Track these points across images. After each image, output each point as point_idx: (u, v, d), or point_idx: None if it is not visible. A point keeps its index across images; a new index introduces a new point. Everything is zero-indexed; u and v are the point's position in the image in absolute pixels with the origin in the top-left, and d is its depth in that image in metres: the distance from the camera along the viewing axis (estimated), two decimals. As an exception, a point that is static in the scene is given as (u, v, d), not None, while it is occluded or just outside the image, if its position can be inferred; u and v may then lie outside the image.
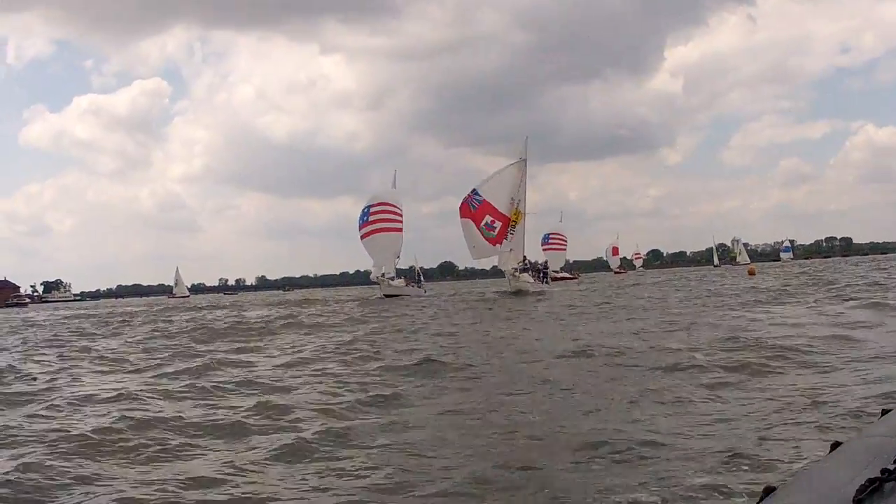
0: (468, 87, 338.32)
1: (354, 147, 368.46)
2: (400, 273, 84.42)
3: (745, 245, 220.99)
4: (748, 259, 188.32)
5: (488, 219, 72.92)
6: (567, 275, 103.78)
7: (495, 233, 73.01)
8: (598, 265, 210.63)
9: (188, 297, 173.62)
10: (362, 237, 79.70)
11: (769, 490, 2.54)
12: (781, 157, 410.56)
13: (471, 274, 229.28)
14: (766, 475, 7.73)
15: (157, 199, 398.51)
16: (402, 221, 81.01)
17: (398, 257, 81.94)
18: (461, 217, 74.05)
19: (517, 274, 71.91)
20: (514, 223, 73.13)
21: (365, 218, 79.81)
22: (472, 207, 73.26)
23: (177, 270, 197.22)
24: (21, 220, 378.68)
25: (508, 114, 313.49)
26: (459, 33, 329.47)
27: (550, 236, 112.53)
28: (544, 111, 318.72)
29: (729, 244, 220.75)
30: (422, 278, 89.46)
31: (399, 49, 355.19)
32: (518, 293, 67.24)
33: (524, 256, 74.60)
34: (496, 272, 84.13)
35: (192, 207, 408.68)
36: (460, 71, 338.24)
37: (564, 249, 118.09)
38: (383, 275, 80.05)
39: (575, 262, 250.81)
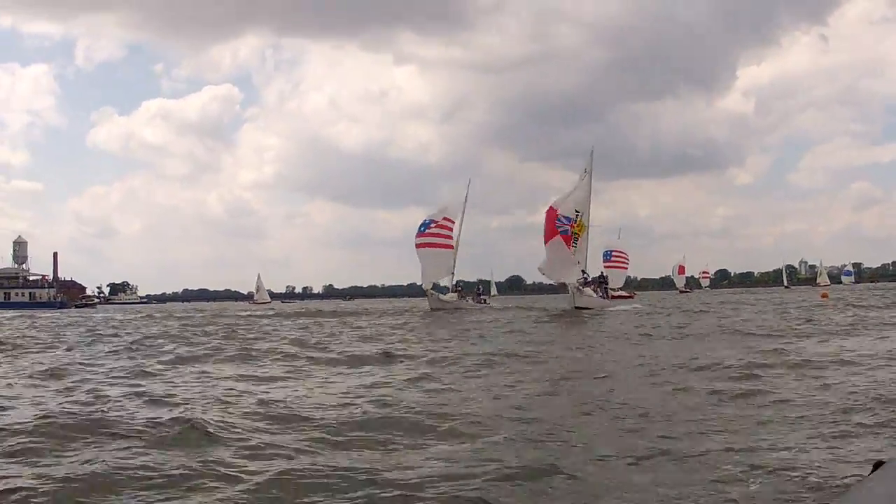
0: (542, 101, 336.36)
1: (426, 159, 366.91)
2: (467, 286, 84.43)
3: (812, 267, 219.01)
4: (828, 280, 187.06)
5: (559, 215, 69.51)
6: (624, 293, 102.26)
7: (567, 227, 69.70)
8: (665, 283, 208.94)
9: (270, 303, 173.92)
10: (417, 246, 79.21)
11: (879, 464, 2.62)
12: (851, 180, 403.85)
13: (538, 289, 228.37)
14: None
15: (225, 205, 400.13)
16: (452, 238, 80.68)
17: (452, 273, 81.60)
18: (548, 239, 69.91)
19: (581, 288, 69.43)
20: (576, 235, 70.46)
21: (423, 229, 79.40)
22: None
23: (258, 277, 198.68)
24: (88, 222, 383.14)
25: (581, 130, 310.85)
26: (535, 47, 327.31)
27: (613, 253, 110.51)
28: (617, 128, 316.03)
29: (796, 265, 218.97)
30: (482, 292, 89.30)
31: (474, 61, 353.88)
32: (578, 310, 63.90)
33: (583, 271, 71.32)
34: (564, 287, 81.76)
35: (260, 214, 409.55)
36: (535, 85, 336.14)
37: (626, 268, 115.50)
38: (432, 288, 79.49)
39: (642, 279, 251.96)
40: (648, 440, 10.42)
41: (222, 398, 15.03)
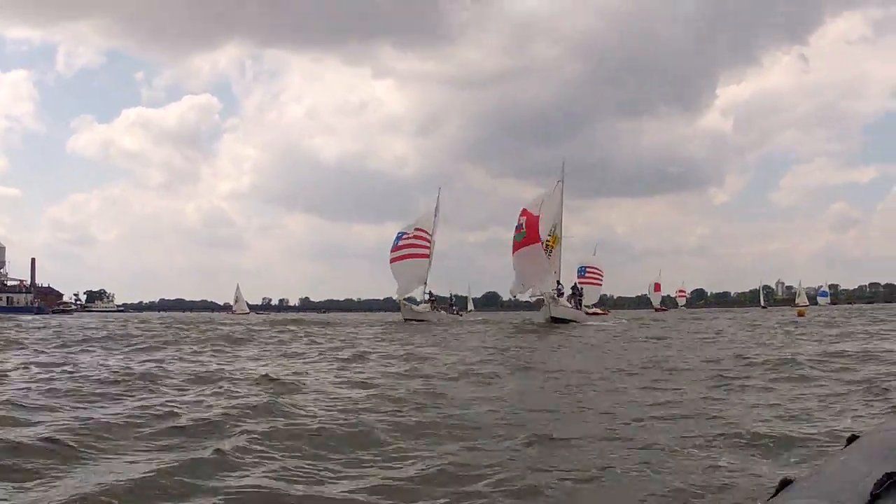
0: (519, 116, 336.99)
1: (403, 172, 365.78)
2: (440, 299, 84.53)
3: (790, 288, 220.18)
4: (807, 300, 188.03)
5: (521, 220, 68.44)
6: (598, 310, 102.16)
7: (524, 232, 68.02)
8: (641, 302, 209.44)
9: (248, 314, 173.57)
10: (391, 261, 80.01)
11: (785, 483, 2.56)
12: (830, 201, 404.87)
13: (514, 305, 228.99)
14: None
15: (203, 215, 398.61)
16: (429, 248, 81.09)
17: (425, 283, 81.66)
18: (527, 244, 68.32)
19: (556, 297, 68.14)
20: (550, 248, 70.14)
21: (396, 242, 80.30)
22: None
23: (237, 287, 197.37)
24: (66, 228, 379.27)
25: (559, 146, 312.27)
26: (513, 62, 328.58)
27: (587, 269, 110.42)
28: (595, 144, 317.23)
29: (773, 286, 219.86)
30: (455, 304, 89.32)
31: (451, 76, 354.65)
32: (552, 323, 62.83)
33: (558, 281, 70.87)
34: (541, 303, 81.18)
35: (238, 224, 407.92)
36: (512, 100, 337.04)
37: (600, 284, 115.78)
38: (406, 299, 79.84)
39: (619, 297, 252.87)
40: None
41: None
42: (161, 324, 67.35)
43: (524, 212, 68.59)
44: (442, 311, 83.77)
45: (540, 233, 67.58)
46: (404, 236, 80.00)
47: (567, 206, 72.85)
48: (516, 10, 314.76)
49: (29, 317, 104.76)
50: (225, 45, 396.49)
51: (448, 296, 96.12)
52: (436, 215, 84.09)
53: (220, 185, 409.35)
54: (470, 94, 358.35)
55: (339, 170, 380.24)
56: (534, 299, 75.15)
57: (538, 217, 67.69)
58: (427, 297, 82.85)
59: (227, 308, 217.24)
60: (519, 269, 68.89)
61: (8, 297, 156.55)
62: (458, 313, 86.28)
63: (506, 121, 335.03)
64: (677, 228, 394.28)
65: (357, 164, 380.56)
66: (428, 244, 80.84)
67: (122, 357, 25.17)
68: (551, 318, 64.68)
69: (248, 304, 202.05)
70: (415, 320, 74.39)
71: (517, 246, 68.44)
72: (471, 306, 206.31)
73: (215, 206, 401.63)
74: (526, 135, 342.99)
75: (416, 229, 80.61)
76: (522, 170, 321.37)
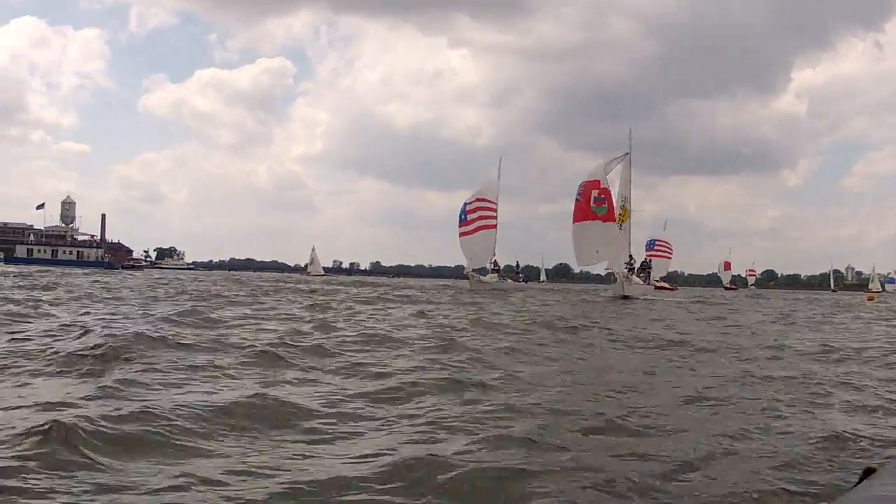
0: (593, 91, 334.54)
1: (475, 142, 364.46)
2: (506, 268, 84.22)
3: (859, 273, 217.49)
4: (879, 286, 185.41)
5: (595, 193, 64.44)
6: (666, 284, 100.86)
7: (606, 206, 64.57)
8: (711, 280, 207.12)
9: (324, 275, 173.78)
10: (461, 235, 79.34)
11: (869, 471, 2.53)
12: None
13: (585, 278, 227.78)
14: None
15: (274, 177, 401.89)
16: (496, 217, 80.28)
17: (494, 254, 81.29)
18: (574, 222, 65.65)
19: (629, 276, 67.72)
20: (622, 221, 68.72)
21: (463, 217, 79.52)
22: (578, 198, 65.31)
23: (313, 249, 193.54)
24: (136, 186, 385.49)
25: (633, 122, 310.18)
26: (589, 36, 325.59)
27: (657, 242, 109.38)
28: (668, 123, 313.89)
29: (843, 271, 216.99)
30: (520, 273, 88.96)
31: (527, 48, 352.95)
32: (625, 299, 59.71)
33: (630, 256, 70.93)
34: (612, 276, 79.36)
35: (309, 188, 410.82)
36: (586, 75, 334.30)
37: (670, 258, 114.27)
38: (473, 270, 79.77)
39: (689, 275, 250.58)
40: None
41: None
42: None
43: (595, 183, 65.29)
44: (509, 280, 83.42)
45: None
46: (469, 209, 79.19)
47: (638, 182, 71.71)
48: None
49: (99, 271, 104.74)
50: (300, 10, 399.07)
51: (514, 264, 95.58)
52: (498, 183, 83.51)
53: (292, 148, 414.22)
54: (544, 67, 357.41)
55: (411, 137, 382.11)
56: (605, 272, 74.34)
57: (608, 189, 65.58)
58: (493, 266, 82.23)
59: (297, 269, 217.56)
60: (589, 239, 64.87)
61: (78, 252, 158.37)
62: (524, 281, 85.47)
63: (579, 95, 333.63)
64: (749, 209, 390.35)
65: (430, 132, 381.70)
66: (495, 214, 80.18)
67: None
68: (623, 296, 62.57)
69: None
70: (482, 290, 73.25)
71: (585, 216, 64.83)
72: (543, 276, 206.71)
73: (287, 169, 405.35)
74: (599, 110, 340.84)
75: (481, 199, 79.92)
76: (594, 144, 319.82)
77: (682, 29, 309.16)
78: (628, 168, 71.74)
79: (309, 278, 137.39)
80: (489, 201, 79.83)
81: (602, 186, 64.73)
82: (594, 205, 64.21)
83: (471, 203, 79.49)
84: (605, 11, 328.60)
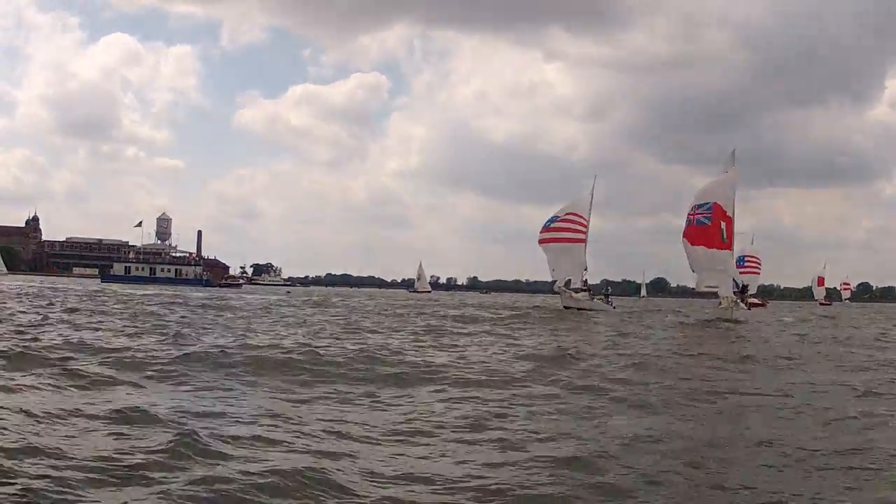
0: (689, 104, 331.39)
1: (571, 156, 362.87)
2: (591, 288, 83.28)
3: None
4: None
5: (723, 224, 61.47)
6: (756, 300, 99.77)
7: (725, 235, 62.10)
8: (805, 294, 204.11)
9: (429, 291, 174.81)
10: (540, 241, 78.59)
11: None
12: None
13: (681, 292, 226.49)
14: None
15: (370, 192, 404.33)
16: (585, 232, 77.66)
17: (586, 269, 78.40)
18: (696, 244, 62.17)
19: (737, 300, 63.76)
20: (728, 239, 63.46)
21: (549, 223, 78.70)
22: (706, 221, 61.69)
23: (420, 265, 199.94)
24: (231, 201, 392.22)
25: (728, 134, 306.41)
26: (684, 49, 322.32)
27: (746, 258, 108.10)
28: (764, 134, 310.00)
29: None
30: (607, 293, 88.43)
31: (623, 61, 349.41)
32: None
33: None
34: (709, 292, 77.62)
35: (405, 203, 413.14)
36: (682, 87, 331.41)
37: (759, 273, 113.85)
38: (566, 284, 77.74)
39: (784, 288, 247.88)
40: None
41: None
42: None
43: (723, 213, 61.76)
44: (597, 300, 79.57)
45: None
46: (560, 218, 77.96)
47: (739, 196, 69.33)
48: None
49: (200, 291, 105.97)
50: (394, 25, 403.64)
51: (601, 282, 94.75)
52: (591, 199, 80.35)
53: (387, 163, 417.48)
54: (640, 80, 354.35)
55: (507, 151, 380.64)
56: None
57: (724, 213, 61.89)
58: (583, 284, 79.30)
59: (394, 285, 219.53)
60: (712, 265, 62.70)
61: (177, 269, 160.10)
62: (610, 303, 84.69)
63: (676, 107, 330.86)
64: (844, 220, 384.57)
65: (526, 146, 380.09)
66: (584, 229, 78.07)
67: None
68: (733, 319, 60.07)
69: (414, 281, 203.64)
70: (575, 308, 72.96)
71: (711, 243, 61.77)
72: (644, 292, 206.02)
73: (383, 184, 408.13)
74: (694, 122, 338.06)
75: (573, 213, 78.18)
76: (691, 157, 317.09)
77: (775, 39, 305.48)
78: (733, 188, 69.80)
79: (417, 295, 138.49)
80: (580, 216, 78.03)
81: (729, 215, 63.66)
82: (725, 234, 62.25)
83: (562, 215, 78.46)
84: (699, 23, 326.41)
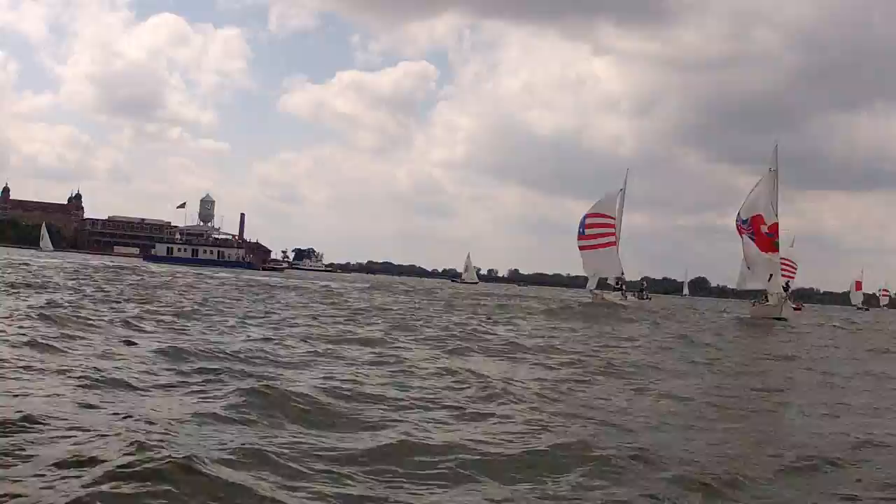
0: (737, 103, 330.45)
1: (617, 151, 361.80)
2: (629, 284, 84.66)
3: None
4: None
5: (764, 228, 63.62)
6: (792, 304, 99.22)
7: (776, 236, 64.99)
8: (846, 299, 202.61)
9: (477, 283, 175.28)
10: (581, 249, 79.74)
11: None
12: None
13: (720, 292, 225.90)
14: None
15: (414, 180, 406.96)
16: (615, 234, 79.35)
17: (622, 271, 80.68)
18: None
19: (785, 297, 65.38)
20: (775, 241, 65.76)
21: (582, 230, 79.44)
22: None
23: (468, 256, 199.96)
24: (274, 186, 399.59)
25: (774, 135, 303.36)
26: (732, 48, 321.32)
27: (782, 261, 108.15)
28: (810, 136, 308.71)
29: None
30: (644, 290, 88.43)
31: (671, 57, 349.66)
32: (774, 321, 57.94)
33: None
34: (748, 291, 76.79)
35: (449, 192, 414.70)
36: (730, 86, 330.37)
37: (794, 277, 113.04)
38: (596, 289, 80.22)
39: (824, 292, 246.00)
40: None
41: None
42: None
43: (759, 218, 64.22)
44: (631, 296, 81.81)
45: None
46: (588, 223, 79.05)
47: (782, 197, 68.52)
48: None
49: (244, 273, 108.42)
50: (443, 14, 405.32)
51: (639, 279, 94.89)
52: (623, 198, 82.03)
53: (432, 152, 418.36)
54: (688, 77, 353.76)
55: (553, 145, 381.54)
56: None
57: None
58: (616, 283, 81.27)
59: (435, 274, 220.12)
60: (766, 269, 64.92)
61: (219, 251, 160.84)
62: (647, 298, 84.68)
63: (723, 106, 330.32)
64: (887, 226, 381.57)
65: (572, 140, 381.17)
66: (613, 231, 79.49)
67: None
68: (779, 317, 60.75)
69: (455, 271, 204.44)
70: (604, 306, 72.06)
71: (768, 248, 64.86)
72: (686, 290, 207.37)
73: (427, 173, 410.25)
74: (742, 122, 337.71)
75: (599, 214, 79.37)
76: (737, 156, 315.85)
77: (824, 41, 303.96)
78: (776, 184, 69.47)
79: (464, 286, 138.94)
80: (608, 216, 79.23)
81: (774, 221, 64.71)
82: (775, 238, 65.13)
83: (590, 216, 79.39)
84: (749, 22, 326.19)
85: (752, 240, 64.15)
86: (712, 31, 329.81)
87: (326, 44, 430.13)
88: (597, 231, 78.58)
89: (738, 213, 65.55)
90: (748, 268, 65.93)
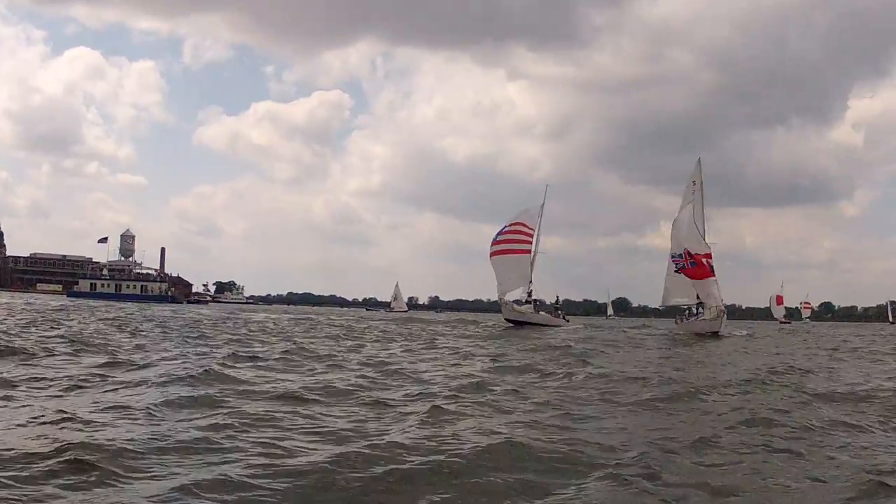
0: (652, 124, 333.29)
1: (533, 176, 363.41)
2: (541, 304, 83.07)
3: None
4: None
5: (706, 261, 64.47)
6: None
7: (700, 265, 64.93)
8: (769, 313, 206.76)
9: (406, 311, 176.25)
10: (490, 255, 78.86)
11: None
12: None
13: (642, 312, 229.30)
14: None
15: (331, 210, 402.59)
16: (531, 244, 78.97)
17: (531, 282, 79.01)
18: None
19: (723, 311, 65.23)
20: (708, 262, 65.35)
21: (497, 237, 79.22)
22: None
23: (396, 285, 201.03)
24: (193, 220, 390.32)
25: (691, 154, 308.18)
26: (647, 69, 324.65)
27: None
28: (727, 154, 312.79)
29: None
30: (560, 308, 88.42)
31: (587, 80, 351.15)
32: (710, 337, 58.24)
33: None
34: (671, 310, 78.88)
35: (366, 221, 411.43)
36: (646, 107, 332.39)
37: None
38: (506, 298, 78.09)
39: (747, 307, 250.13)
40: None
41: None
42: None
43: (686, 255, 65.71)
44: (543, 313, 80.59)
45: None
46: (506, 230, 78.98)
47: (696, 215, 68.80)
48: (651, 16, 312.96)
49: (166, 308, 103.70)
50: (357, 42, 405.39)
51: (555, 299, 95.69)
52: (541, 214, 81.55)
53: (349, 181, 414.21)
54: (604, 99, 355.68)
55: (469, 171, 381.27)
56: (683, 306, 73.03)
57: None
58: (527, 296, 79.53)
59: (355, 304, 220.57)
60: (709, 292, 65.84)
61: (142, 286, 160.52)
62: (563, 318, 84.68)
63: (638, 128, 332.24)
64: (806, 241, 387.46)
65: (487, 165, 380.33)
66: (530, 240, 79.15)
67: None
68: (716, 332, 61.66)
69: (375, 300, 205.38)
70: (516, 322, 73.09)
71: (704, 274, 65.52)
72: (610, 311, 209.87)
73: (344, 203, 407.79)
74: (658, 143, 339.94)
75: (519, 223, 79.18)
76: (654, 177, 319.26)
77: (739, 60, 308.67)
78: (701, 200, 71.17)
79: (393, 314, 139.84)
80: (526, 226, 79.01)
81: (705, 253, 65.62)
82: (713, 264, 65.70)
83: (509, 226, 79.19)
84: (663, 43, 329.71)
85: (692, 269, 65.60)
86: (627, 53, 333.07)
87: (241, 75, 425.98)
88: (513, 237, 78.62)
89: (670, 250, 68.25)
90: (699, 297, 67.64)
